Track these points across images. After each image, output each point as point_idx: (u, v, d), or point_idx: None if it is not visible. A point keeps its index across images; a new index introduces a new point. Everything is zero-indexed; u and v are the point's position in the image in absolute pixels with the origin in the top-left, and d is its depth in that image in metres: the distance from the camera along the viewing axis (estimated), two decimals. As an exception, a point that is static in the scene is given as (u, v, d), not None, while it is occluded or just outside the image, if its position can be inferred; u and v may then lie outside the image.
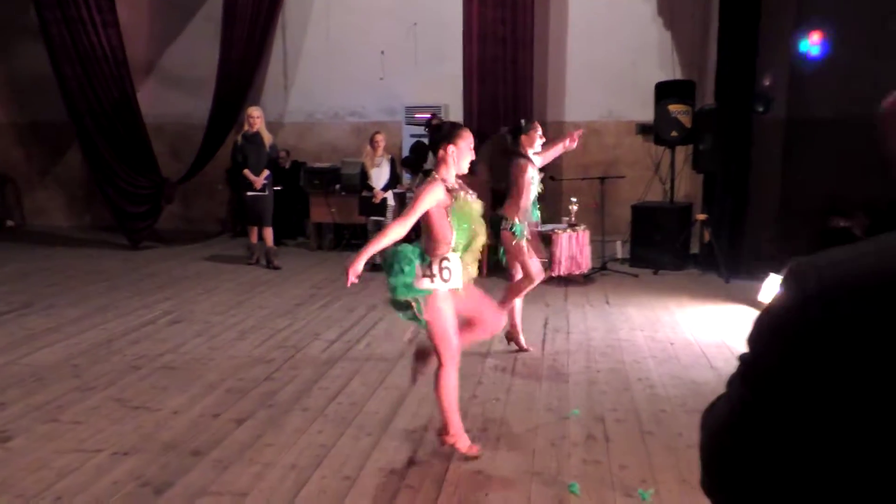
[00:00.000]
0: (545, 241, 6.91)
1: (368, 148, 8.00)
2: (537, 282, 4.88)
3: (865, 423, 0.46)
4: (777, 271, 6.18)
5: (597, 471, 3.32)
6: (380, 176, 7.90)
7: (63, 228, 10.72)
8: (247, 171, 7.88)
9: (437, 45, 9.30)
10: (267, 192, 7.96)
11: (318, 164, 9.33)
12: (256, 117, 7.92)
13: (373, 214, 7.92)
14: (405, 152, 9.19)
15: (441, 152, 3.26)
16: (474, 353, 5.05)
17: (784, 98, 8.07)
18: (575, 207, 7.41)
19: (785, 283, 0.52)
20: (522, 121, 5.09)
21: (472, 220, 3.29)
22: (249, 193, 7.93)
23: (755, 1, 7.15)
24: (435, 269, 3.20)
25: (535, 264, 4.85)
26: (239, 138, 8.05)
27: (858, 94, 7.54)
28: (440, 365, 3.34)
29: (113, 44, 9.05)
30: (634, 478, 3.24)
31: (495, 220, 4.83)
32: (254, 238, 8.20)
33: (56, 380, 4.51)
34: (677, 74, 8.65)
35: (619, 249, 8.45)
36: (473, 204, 3.30)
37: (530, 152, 4.89)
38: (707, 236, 7.57)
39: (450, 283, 3.23)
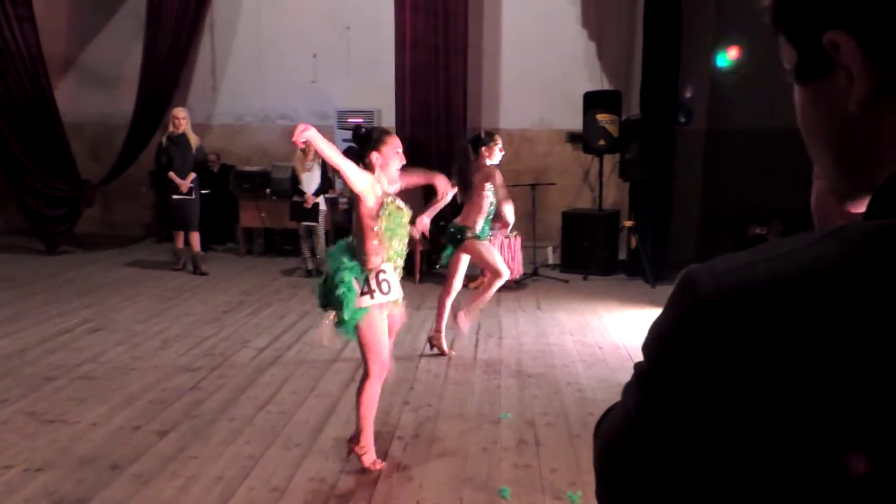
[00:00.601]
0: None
1: (299, 152, 7.87)
2: (506, 276, 5.13)
3: (760, 431, 0.47)
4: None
5: (527, 475, 3.36)
6: (311, 180, 7.79)
7: (-28, 232, 10.11)
8: (172, 174, 7.63)
9: (371, 49, 9.26)
10: (193, 196, 7.73)
11: (247, 168, 9.13)
12: (182, 118, 7.69)
13: (304, 219, 7.80)
14: (337, 157, 9.11)
15: (367, 160, 3.26)
16: (407, 357, 5.04)
17: (704, 109, 8.41)
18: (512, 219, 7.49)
19: (679, 288, 0.52)
20: (483, 132, 5.36)
21: (402, 226, 3.30)
22: (175, 197, 7.68)
23: (676, 16, 7.42)
24: (373, 283, 3.18)
25: (500, 261, 5.17)
26: (163, 140, 7.79)
27: (774, 107, 7.97)
28: (367, 376, 3.29)
29: (28, 39, 8.62)
30: (564, 480, 3.30)
31: (455, 230, 5.03)
32: (180, 243, 7.94)
33: (-38, 393, 4.24)
34: (605, 85, 8.88)
35: (551, 255, 8.60)
36: (403, 210, 3.31)
37: (489, 163, 5.05)
38: (634, 242, 7.79)
39: (389, 295, 3.22)
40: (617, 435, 0.56)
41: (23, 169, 8.74)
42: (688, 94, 7.79)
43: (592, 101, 8.31)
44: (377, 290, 3.17)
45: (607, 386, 4.54)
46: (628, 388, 0.56)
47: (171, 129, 7.74)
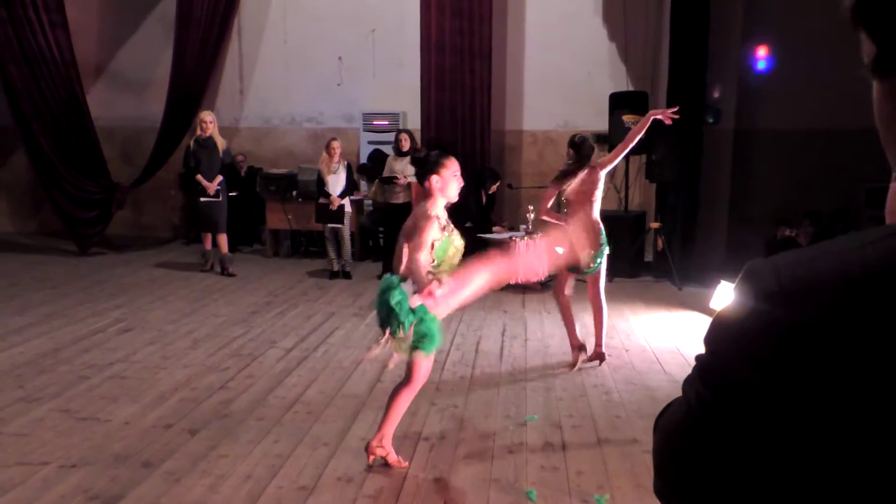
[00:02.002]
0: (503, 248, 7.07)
1: (325, 154, 7.95)
2: None
3: (824, 427, 0.47)
4: (727, 279, 6.34)
5: (554, 477, 3.35)
6: (336, 183, 7.85)
7: (8, 234, 10.34)
8: (199, 177, 7.74)
9: (396, 52, 9.31)
10: (221, 198, 7.83)
11: (274, 171, 9.23)
12: (209, 122, 7.80)
13: (330, 221, 7.86)
14: (363, 159, 9.17)
15: (427, 184, 3.26)
16: (433, 360, 5.05)
17: (733, 110, 8.31)
18: (532, 216, 7.48)
19: (742, 282, 0.52)
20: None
21: (453, 256, 3.29)
22: (203, 199, 7.79)
23: (704, 16, 7.36)
24: (438, 289, 3.12)
25: None
26: (191, 143, 7.91)
27: (803, 107, 7.85)
28: (408, 382, 3.32)
29: (61, 44, 8.81)
30: (591, 484, 3.29)
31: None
32: (208, 245, 8.05)
33: (-1, 391, 4.35)
34: (630, 86, 8.83)
35: (575, 257, 8.55)
36: (456, 242, 3.31)
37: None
38: (660, 244, 7.73)
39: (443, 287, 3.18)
40: (678, 428, 0.56)
41: (56, 172, 8.93)
42: (715, 95, 7.71)
43: (618, 102, 8.26)
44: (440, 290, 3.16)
45: (634, 388, 4.51)
46: (690, 382, 0.56)
47: (198, 132, 7.86)
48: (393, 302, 3.18)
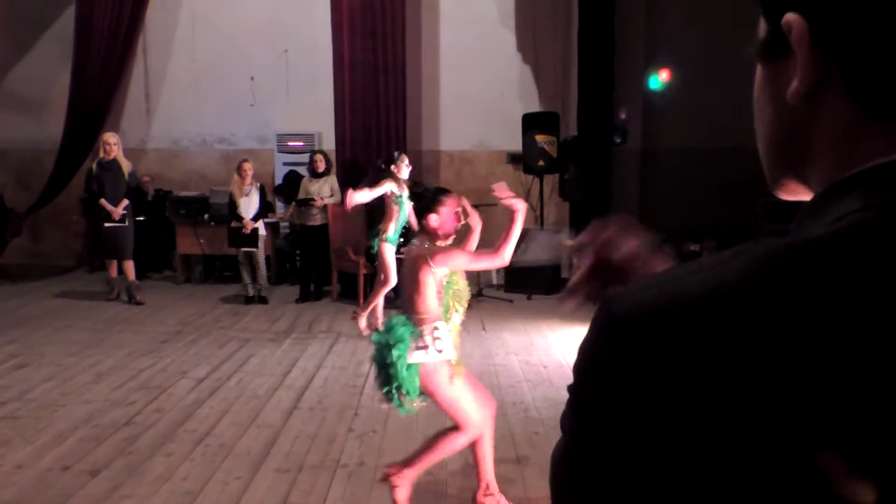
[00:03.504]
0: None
1: (236, 177, 7.75)
2: (392, 283, 5.98)
3: (672, 447, 0.47)
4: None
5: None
6: (249, 205, 7.66)
7: None
8: (103, 201, 7.39)
9: (309, 72, 9.22)
10: (126, 223, 7.50)
11: (184, 193, 8.92)
12: (113, 143, 7.47)
13: (243, 245, 7.65)
14: (278, 180, 8.99)
15: (425, 223, 3.05)
16: (351, 385, 4.97)
17: (639, 130, 8.64)
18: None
19: (598, 309, 0.54)
20: (395, 153, 6.36)
21: (460, 297, 3.10)
22: (107, 224, 7.43)
23: (609, 40, 7.65)
24: (428, 339, 2.93)
25: (390, 269, 5.98)
26: (94, 166, 7.54)
27: (703, 126, 8.25)
28: (457, 428, 3.04)
29: (-52, 63, 8.28)
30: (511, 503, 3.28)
31: (373, 234, 6.13)
32: (113, 272, 7.68)
33: None
34: (542, 107, 9.05)
35: (495, 276, 8.65)
36: (462, 283, 3.11)
37: (401, 177, 6.08)
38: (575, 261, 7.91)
39: (443, 353, 2.97)
40: (559, 459, 0.57)
41: (-58, 198, 8.33)
42: (622, 115, 8.00)
43: (531, 123, 8.45)
44: (431, 346, 2.92)
45: (552, 405, 4.56)
46: (564, 414, 0.57)
47: (101, 154, 7.51)
48: (393, 357, 2.91)
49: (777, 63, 0.55)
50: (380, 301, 6.22)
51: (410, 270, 3.02)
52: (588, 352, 0.54)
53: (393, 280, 5.94)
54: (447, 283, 3.02)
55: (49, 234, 9.73)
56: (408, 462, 3.10)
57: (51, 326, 6.54)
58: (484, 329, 6.63)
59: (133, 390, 4.82)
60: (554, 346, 6.02)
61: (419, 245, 3.05)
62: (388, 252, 5.99)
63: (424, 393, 2.99)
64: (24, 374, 5.17)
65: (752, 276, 0.48)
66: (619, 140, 7.91)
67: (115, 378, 5.08)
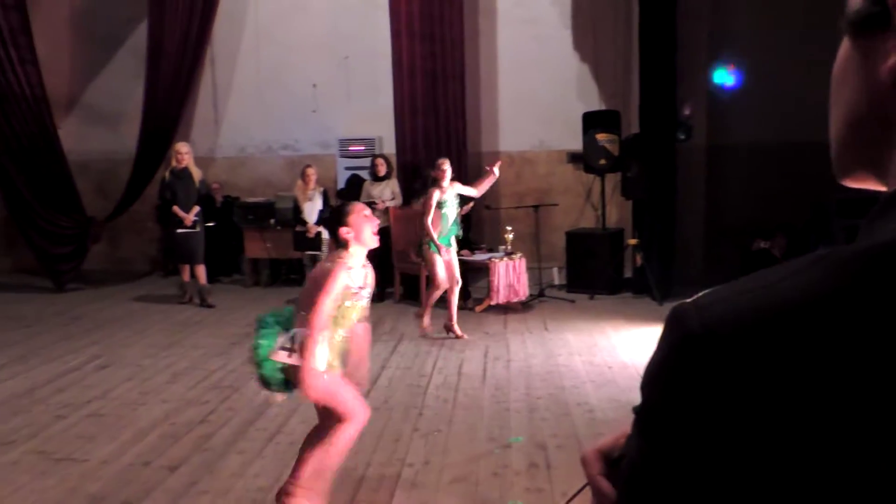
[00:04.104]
0: (483, 271, 7.24)
1: (300, 182, 7.94)
2: (443, 289, 6.25)
3: (754, 464, 0.46)
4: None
5: (539, 499, 3.33)
6: (313, 210, 7.83)
7: (-20, 273, 10.17)
8: (176, 208, 7.69)
9: (370, 78, 9.36)
10: (198, 229, 7.78)
11: (251, 199, 9.19)
12: (184, 153, 7.77)
13: (307, 249, 7.83)
14: (340, 184, 9.17)
15: (341, 235, 3.05)
16: (415, 385, 5.03)
17: (704, 125, 8.44)
18: (511, 236, 7.52)
19: (667, 326, 0.52)
20: (438, 160, 6.46)
21: (349, 320, 3.07)
22: (180, 231, 7.73)
23: (671, 35, 7.50)
24: (297, 345, 2.91)
25: (441, 274, 6.20)
26: (167, 174, 7.86)
27: (772, 120, 8.00)
28: (339, 422, 3.03)
29: (31, 81, 8.76)
30: None
31: (419, 243, 6.37)
32: (186, 276, 7.98)
33: (-28, 434, 4.24)
34: (602, 105, 8.94)
35: (556, 276, 8.59)
36: (358, 306, 3.07)
37: (444, 184, 6.21)
38: (639, 260, 7.79)
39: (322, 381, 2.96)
40: (625, 483, 0.56)
41: (30, 208, 8.82)
42: (686, 111, 7.83)
43: (591, 121, 8.37)
44: (298, 353, 2.91)
45: (618, 405, 4.51)
46: (629, 436, 0.56)
47: (174, 163, 7.82)
48: (256, 342, 2.98)
49: (872, 38, 0.52)
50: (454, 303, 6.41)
51: (315, 280, 3.01)
52: (659, 369, 0.52)
53: (443, 283, 6.19)
54: (349, 309, 3.01)
55: (126, 240, 10.18)
56: (294, 477, 3.09)
57: (129, 329, 6.85)
58: (546, 329, 6.60)
59: (207, 390, 5.01)
60: (619, 346, 5.94)
61: (332, 256, 3.09)
62: (435, 257, 6.17)
63: (296, 388, 2.97)
64: (107, 374, 5.43)
65: (837, 286, 0.46)
66: (683, 136, 7.74)
67: (189, 378, 5.29)
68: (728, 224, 8.50)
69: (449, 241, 6.27)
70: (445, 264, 6.23)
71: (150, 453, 3.93)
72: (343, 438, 3.08)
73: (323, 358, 2.97)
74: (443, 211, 6.19)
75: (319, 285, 2.93)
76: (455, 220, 6.33)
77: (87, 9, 9.89)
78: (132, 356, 5.89)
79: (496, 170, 6.20)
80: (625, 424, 0.66)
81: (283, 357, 2.94)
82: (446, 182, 6.23)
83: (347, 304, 3.00)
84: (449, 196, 6.22)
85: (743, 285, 0.52)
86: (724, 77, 8.00)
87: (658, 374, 0.52)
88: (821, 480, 0.45)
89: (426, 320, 6.41)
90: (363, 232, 3.06)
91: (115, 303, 8.09)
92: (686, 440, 0.49)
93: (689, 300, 0.52)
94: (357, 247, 3.06)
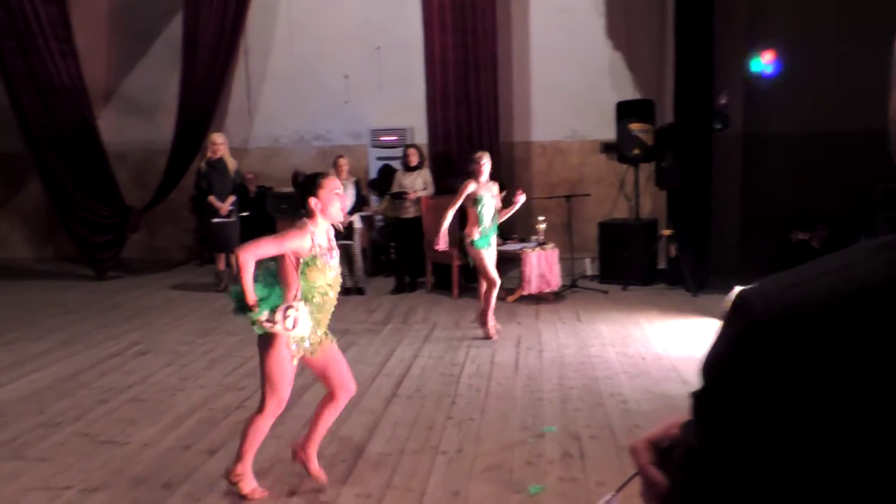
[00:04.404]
0: (515, 261, 7.20)
1: (332, 172, 7.99)
2: (498, 283, 5.91)
3: (818, 448, 0.46)
4: (742, 284, 6.31)
5: (573, 488, 3.34)
6: (345, 199, 7.88)
7: (25, 261, 10.45)
8: (212, 198, 7.81)
9: (401, 68, 9.38)
10: (233, 219, 7.90)
11: (284, 189, 9.28)
12: (220, 143, 7.88)
13: (340, 238, 7.85)
14: (372, 174, 9.22)
15: (309, 205, 3.17)
16: (448, 374, 5.06)
17: (740, 115, 8.30)
18: (543, 226, 7.49)
19: (732, 312, 0.52)
20: (477, 154, 6.03)
21: (325, 281, 3.19)
22: (215, 220, 7.85)
23: (708, 22, 7.37)
24: (279, 315, 3.05)
25: (493, 270, 5.87)
26: (203, 165, 7.98)
27: (811, 109, 7.83)
28: (261, 410, 3.22)
29: (71, 72, 8.94)
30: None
31: (460, 243, 6.09)
32: (221, 265, 8.10)
33: (20, 416, 4.38)
34: (636, 94, 8.84)
35: (589, 266, 8.55)
36: (329, 268, 3.19)
37: (481, 179, 5.83)
38: (673, 251, 7.71)
39: (294, 331, 3.10)
40: (682, 469, 0.56)
41: (70, 198, 9.03)
42: (723, 100, 7.71)
43: (625, 111, 8.28)
44: (280, 322, 3.05)
45: (652, 397, 4.48)
46: (686, 424, 0.56)
47: (209, 154, 7.94)
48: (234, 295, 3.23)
49: None
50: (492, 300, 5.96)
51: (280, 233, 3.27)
52: (724, 355, 0.52)
53: (497, 280, 5.88)
54: (305, 262, 3.13)
55: (162, 229, 10.38)
56: (236, 461, 3.28)
57: (167, 316, 6.99)
58: (579, 320, 6.58)
59: (243, 376, 5.09)
60: (653, 337, 5.90)
61: (298, 223, 3.20)
62: (482, 255, 5.81)
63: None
64: (146, 360, 5.56)
65: None
66: (719, 126, 7.62)
67: (226, 364, 5.38)
68: (765, 215, 8.37)
69: (489, 241, 5.86)
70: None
71: (189, 437, 4.02)
72: (257, 431, 3.25)
73: (305, 326, 3.12)
74: (479, 209, 5.79)
75: (276, 236, 3.19)
76: (494, 220, 5.89)
77: (124, 2, 10.06)
78: (170, 343, 6.02)
79: (521, 197, 5.87)
80: (672, 416, 0.67)
81: (267, 326, 3.09)
82: (484, 177, 5.84)
83: (318, 263, 3.14)
84: (486, 193, 5.84)
85: (803, 273, 0.52)
86: (763, 65, 7.85)
87: (722, 360, 0.53)
88: (887, 466, 0.45)
89: (491, 325, 5.96)
90: (330, 207, 3.19)
91: (153, 291, 8.26)
92: (748, 425, 0.49)
93: (751, 287, 0.52)
94: (322, 219, 3.19)
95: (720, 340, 0.53)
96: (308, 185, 3.22)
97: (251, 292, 3.11)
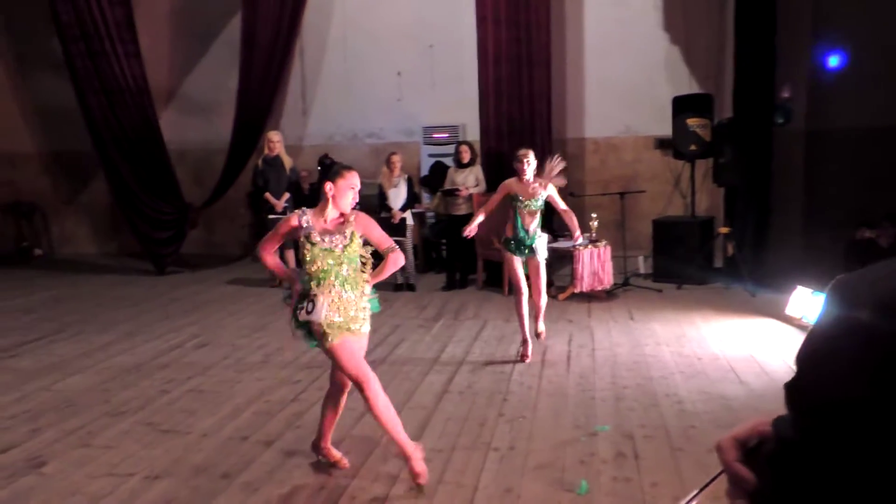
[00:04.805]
0: (567, 258, 7.09)
1: (385, 169, 8.07)
2: (524, 293, 5.20)
3: None
4: (803, 284, 6.11)
5: (627, 488, 3.29)
6: (397, 196, 7.95)
7: (90, 256, 10.88)
8: (268, 195, 7.97)
9: (454, 66, 9.39)
10: (288, 215, 8.03)
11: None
12: (276, 141, 8.04)
13: (392, 235, 7.88)
14: (424, 171, 9.26)
15: (324, 188, 3.34)
16: (499, 371, 5.05)
17: (803, 109, 8.02)
18: (595, 223, 7.41)
19: (835, 298, 0.51)
20: (519, 151, 5.35)
21: (325, 263, 3.31)
22: (271, 216, 8.02)
23: (770, 13, 7.15)
24: (304, 301, 3.29)
25: (517, 274, 5.21)
26: (259, 162, 8.16)
27: (878, 104, 7.51)
28: (365, 399, 3.32)
29: (135, 74, 9.25)
30: (665, 495, 3.21)
31: (503, 239, 5.38)
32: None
33: (87, 405, 4.56)
34: (694, 88, 8.65)
35: (642, 264, 8.41)
36: (329, 253, 3.31)
37: (525, 178, 5.14)
38: (730, 250, 7.51)
39: (311, 315, 3.26)
40: (775, 465, 0.54)
41: (133, 195, 9.35)
42: (785, 94, 7.47)
43: (682, 106, 8.11)
44: (304, 309, 3.28)
45: (709, 398, 4.39)
46: (780, 417, 0.54)
47: (266, 151, 8.10)
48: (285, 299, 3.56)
49: None
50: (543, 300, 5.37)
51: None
52: (828, 343, 0.51)
53: (522, 290, 5.18)
54: (308, 251, 3.29)
55: (220, 226, 10.65)
56: (400, 448, 3.38)
57: (225, 310, 7.18)
58: (632, 319, 6.48)
59: (298, 370, 5.19)
60: (709, 338, 5.77)
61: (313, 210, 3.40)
62: (508, 257, 5.21)
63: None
64: (205, 352, 5.72)
65: None
66: (781, 120, 7.39)
67: (281, 358, 5.50)
68: (828, 213, 8.07)
69: (521, 248, 5.15)
70: (530, 267, 5.21)
71: (247, 428, 4.12)
72: (381, 410, 3.35)
73: (321, 309, 3.26)
74: (514, 209, 5.15)
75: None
76: (535, 225, 5.14)
77: (185, 4, 10.35)
78: (227, 336, 6.18)
79: (580, 239, 5.56)
80: (760, 415, 0.65)
81: (301, 315, 3.30)
82: (528, 176, 5.09)
83: (316, 250, 3.28)
84: (523, 193, 5.10)
85: (882, 270, 0.50)
86: (828, 57, 7.57)
87: (826, 347, 0.51)
88: None
89: (528, 344, 5.31)
90: (342, 198, 3.34)
91: (211, 285, 8.48)
92: (856, 416, 0.48)
93: (851, 274, 0.51)
94: (331, 206, 3.34)
95: (823, 327, 0.51)
96: (329, 171, 3.42)
97: (279, 269, 3.56)
